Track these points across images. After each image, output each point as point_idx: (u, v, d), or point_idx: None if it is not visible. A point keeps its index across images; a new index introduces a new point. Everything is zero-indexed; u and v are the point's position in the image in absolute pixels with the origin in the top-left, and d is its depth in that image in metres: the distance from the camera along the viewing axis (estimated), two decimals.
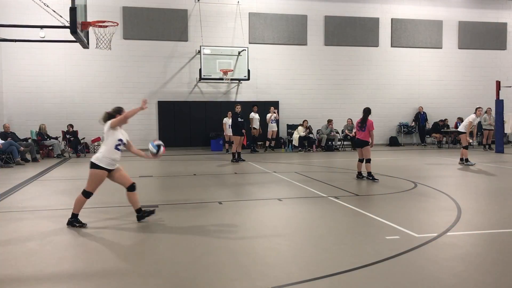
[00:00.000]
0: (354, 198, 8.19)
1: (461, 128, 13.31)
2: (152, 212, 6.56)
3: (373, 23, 21.05)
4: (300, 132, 18.48)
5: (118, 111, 6.21)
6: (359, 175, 10.48)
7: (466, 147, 13.04)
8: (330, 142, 18.92)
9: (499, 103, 17.00)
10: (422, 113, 21.25)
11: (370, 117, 10.35)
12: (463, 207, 7.28)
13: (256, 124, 18.24)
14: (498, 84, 17.43)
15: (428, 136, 21.22)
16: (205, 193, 8.79)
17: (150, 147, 6.56)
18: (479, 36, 22.09)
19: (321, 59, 20.65)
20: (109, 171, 6.19)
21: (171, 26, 19.44)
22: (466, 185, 10.08)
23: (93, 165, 6.12)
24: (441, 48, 21.79)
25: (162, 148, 6.53)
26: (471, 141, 13.34)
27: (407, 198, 8.16)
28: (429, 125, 21.23)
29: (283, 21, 20.23)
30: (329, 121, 19.13)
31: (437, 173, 11.75)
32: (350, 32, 20.82)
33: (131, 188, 6.37)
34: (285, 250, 5.19)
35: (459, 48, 21.99)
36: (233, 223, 6.42)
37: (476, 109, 13.54)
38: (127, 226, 6.27)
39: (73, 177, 11.40)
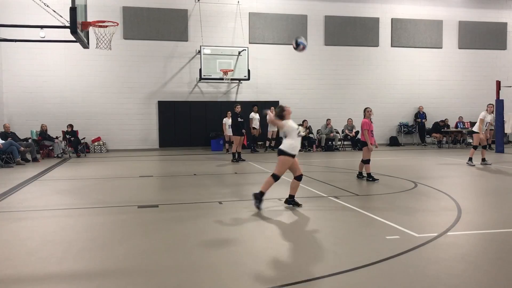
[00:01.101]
0: (354, 198, 8.19)
1: (475, 128, 13.16)
2: (299, 205, 7.36)
3: (373, 23, 21.06)
4: (300, 132, 18.48)
5: (282, 110, 7.61)
6: (359, 175, 10.48)
7: (475, 147, 12.97)
8: (330, 142, 18.92)
9: (499, 103, 17.00)
10: (422, 112, 21.25)
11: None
12: (463, 207, 7.28)
13: (256, 124, 18.25)
14: (498, 84, 17.43)
15: (428, 136, 21.22)
16: (206, 193, 8.79)
17: (298, 41, 8.26)
18: (479, 36, 22.09)
19: (321, 59, 20.66)
20: (293, 157, 7.11)
21: (171, 26, 19.45)
22: (467, 185, 10.08)
23: (283, 153, 7.11)
24: (441, 48, 21.79)
25: (301, 46, 8.31)
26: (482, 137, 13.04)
27: (407, 198, 8.16)
28: (428, 124, 21.23)
29: (283, 21, 20.24)
30: (328, 121, 19.14)
31: (437, 173, 11.75)
32: (350, 32, 20.83)
33: (299, 178, 7.36)
34: (285, 250, 5.20)
35: (459, 48, 21.99)
36: (234, 223, 6.42)
37: (488, 106, 13.38)
38: (127, 227, 6.27)
39: (73, 177, 11.41)
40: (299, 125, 18.79)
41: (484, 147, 13.16)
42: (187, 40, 19.56)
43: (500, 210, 7.23)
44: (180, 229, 6.08)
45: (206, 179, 10.83)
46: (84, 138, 17.99)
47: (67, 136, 17.32)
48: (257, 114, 18.23)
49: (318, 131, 19.54)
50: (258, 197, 7.19)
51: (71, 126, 17.65)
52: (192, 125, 19.61)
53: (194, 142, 19.66)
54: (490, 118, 13.11)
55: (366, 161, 10.18)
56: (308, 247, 5.28)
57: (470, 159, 12.88)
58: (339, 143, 19.28)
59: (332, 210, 7.27)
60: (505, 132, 18.15)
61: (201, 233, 5.85)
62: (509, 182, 10.20)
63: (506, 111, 17.72)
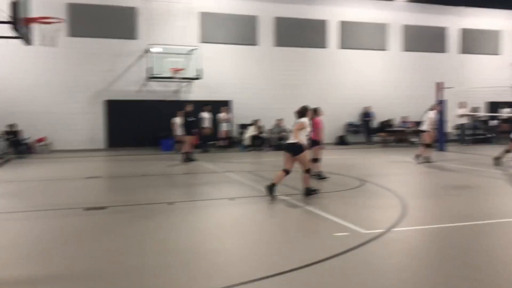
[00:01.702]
0: (303, 196, 8.31)
1: (424, 127, 13.68)
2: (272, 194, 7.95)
3: (322, 25, 21.48)
4: (252, 131, 18.59)
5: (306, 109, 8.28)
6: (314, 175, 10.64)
7: (429, 145, 13.51)
8: (281, 141, 19.11)
9: (441, 103, 17.75)
10: (370, 112, 21.86)
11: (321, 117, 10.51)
12: (407, 203, 7.57)
13: (207, 124, 18.16)
14: (438, 85, 18.23)
15: (375, 135, 21.86)
16: (155, 194, 8.66)
17: None
18: (422, 39, 23.01)
19: (272, 59, 20.84)
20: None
21: (120, 24, 19.00)
22: (411, 182, 10.48)
23: (302, 149, 7.93)
24: (386, 50, 22.52)
25: None
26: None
27: (355, 196, 8.38)
28: (375, 124, 21.87)
29: (234, 21, 20.25)
30: (279, 120, 19.35)
31: (383, 171, 12.15)
32: (300, 33, 21.14)
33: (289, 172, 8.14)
34: (236, 249, 5.21)
35: (403, 51, 22.81)
36: (184, 224, 6.37)
37: (434, 105, 13.97)
38: (72, 230, 6.08)
39: (15, 179, 10.91)
40: (250, 124, 18.90)
41: (428, 146, 13.72)
42: (136, 38, 19.17)
43: (443, 206, 7.58)
44: (129, 231, 5.96)
45: (156, 180, 10.67)
46: (28, 138, 17.25)
47: (8, 136, 16.54)
48: (209, 114, 18.14)
49: (269, 131, 19.70)
50: (310, 193, 8.17)
51: (12, 125, 16.87)
52: (141, 125, 19.22)
53: (144, 142, 19.27)
54: (435, 117, 13.75)
55: (316, 160, 10.36)
56: (259, 246, 5.32)
57: (418, 156, 13.40)
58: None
59: (282, 209, 7.36)
60: (446, 131, 18.96)
61: (151, 235, 5.77)
62: (451, 179, 10.69)
63: (447, 111, 18.50)
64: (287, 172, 8.13)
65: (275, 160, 15.20)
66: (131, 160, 15.20)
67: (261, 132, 18.96)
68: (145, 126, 19.23)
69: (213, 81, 19.95)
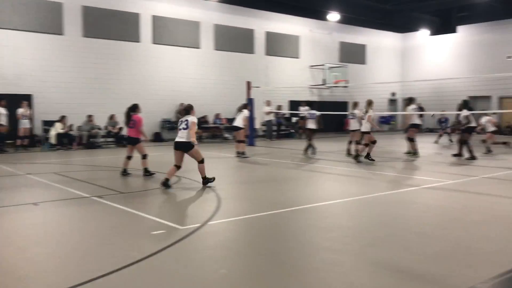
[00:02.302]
0: (118, 196, 7.98)
1: (238, 123, 14.22)
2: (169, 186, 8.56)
3: (134, 18, 20.88)
4: (58, 128, 17.08)
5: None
6: (124, 172, 10.30)
7: (243, 141, 14.19)
8: (92, 139, 18.05)
9: (250, 101, 18.93)
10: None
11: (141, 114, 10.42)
12: (223, 196, 7.84)
13: (3, 121, 16.06)
14: (248, 84, 19.42)
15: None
16: None
17: None
18: (232, 40, 24.16)
19: (80, 51, 19.45)
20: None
21: None
22: (226, 176, 10.90)
23: (192, 146, 8.60)
24: (199, 48, 23.04)
25: None
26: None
27: (171, 192, 8.35)
28: None
29: (35, 5, 18.26)
30: (89, 117, 18.23)
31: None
32: (111, 25, 20.19)
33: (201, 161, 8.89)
34: (43, 259, 4.70)
35: (215, 49, 23.63)
36: None
37: (246, 104, 14.81)
38: None
39: None
40: (57, 121, 17.34)
41: (243, 141, 14.47)
42: None
43: (255, 197, 8.06)
44: None
45: None
46: None
47: None
48: (5, 109, 16.06)
49: (79, 128, 18.40)
50: (208, 181, 8.87)
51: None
52: None
53: None
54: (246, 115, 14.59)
55: (144, 156, 10.21)
56: (69, 253, 4.89)
57: (243, 152, 14.04)
58: (101, 140, 18.55)
59: (95, 210, 6.92)
60: (255, 127, 20.33)
61: None
62: (263, 172, 11.45)
63: (256, 108, 19.81)
64: (178, 167, 8.74)
65: (85, 159, 14.29)
66: None
67: (69, 130, 17.59)
68: None
69: (9, 72, 17.76)
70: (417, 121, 14.30)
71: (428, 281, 4.07)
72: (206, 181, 8.90)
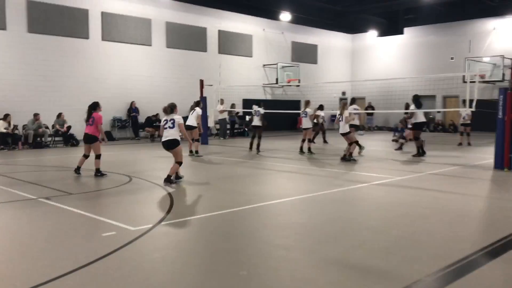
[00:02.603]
0: (68, 197, 7.74)
1: (190, 122, 14.00)
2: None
3: (82, 14, 20.24)
4: (1, 127, 16.33)
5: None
6: (77, 170, 10.06)
7: (198, 140, 14.06)
8: (39, 139, 17.37)
9: (203, 100, 18.83)
10: (134, 107, 21.68)
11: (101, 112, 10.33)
12: (175, 196, 7.77)
13: None
14: (201, 82, 19.30)
15: (142, 130, 21.83)
16: None
17: None
18: (185, 38, 23.91)
19: (24, 47, 18.67)
20: None
21: None
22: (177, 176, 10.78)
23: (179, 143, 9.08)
24: (151, 45, 22.65)
25: None
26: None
27: (122, 193, 8.19)
28: (141, 119, 21.84)
29: None
30: (36, 115, 17.55)
31: (151, 166, 12.22)
32: (58, 21, 19.48)
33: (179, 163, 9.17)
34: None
35: (167, 47, 23.30)
36: None
37: (198, 102, 14.76)
38: None
39: None
40: (0, 120, 16.55)
41: (197, 140, 14.37)
42: None
43: (208, 197, 8.03)
44: None
45: None
46: None
47: None
48: None
49: (24, 127, 17.66)
50: (168, 180, 8.93)
51: None
52: None
53: None
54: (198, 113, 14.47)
55: (98, 156, 10.03)
56: (13, 259, 4.70)
57: (196, 151, 13.96)
58: (49, 139, 17.89)
59: (43, 213, 6.68)
60: (209, 125, 20.23)
61: None
62: (216, 171, 11.42)
63: (209, 107, 19.71)
64: (179, 163, 9.18)
65: (32, 159, 13.76)
66: None
67: (14, 129, 16.86)
68: None
69: None
70: (356, 122, 15.00)
71: (377, 276, 4.20)
72: (177, 177, 9.39)
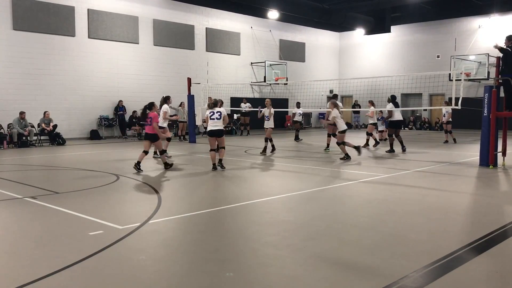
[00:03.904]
0: (54, 196, 7.67)
1: (162, 124, 13.67)
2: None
3: (68, 11, 20.05)
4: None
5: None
6: (137, 165, 10.27)
7: (169, 139, 13.76)
8: (24, 138, 17.17)
9: (191, 98, 18.78)
10: (121, 106, 21.54)
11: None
12: (163, 195, 7.74)
13: None
14: (189, 80, 19.23)
15: (128, 128, 21.69)
16: None
17: None
18: (172, 35, 23.79)
19: (9, 44, 18.44)
20: None
21: None
22: (165, 175, 10.75)
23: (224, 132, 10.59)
24: (138, 43, 22.50)
25: None
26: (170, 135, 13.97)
27: (110, 191, 8.14)
28: (128, 118, 21.71)
29: None
30: (22, 114, 17.33)
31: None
32: (43, 18, 19.27)
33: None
34: None
35: (154, 45, 23.17)
36: None
37: (165, 99, 13.92)
38: None
39: None
40: None
41: (168, 139, 13.76)
42: None
43: (196, 195, 8.01)
44: None
45: None
46: None
47: None
48: None
49: (9, 126, 17.45)
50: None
51: None
52: None
53: None
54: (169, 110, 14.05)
55: (162, 152, 10.93)
56: (4, 256, 4.64)
57: (164, 151, 13.68)
58: (35, 138, 17.70)
59: (29, 212, 6.61)
60: (196, 124, 20.16)
61: None
62: (204, 169, 11.39)
63: (197, 105, 19.66)
64: (215, 150, 10.53)
65: (18, 158, 13.60)
66: None
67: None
68: None
69: None
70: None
71: (364, 272, 4.23)
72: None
